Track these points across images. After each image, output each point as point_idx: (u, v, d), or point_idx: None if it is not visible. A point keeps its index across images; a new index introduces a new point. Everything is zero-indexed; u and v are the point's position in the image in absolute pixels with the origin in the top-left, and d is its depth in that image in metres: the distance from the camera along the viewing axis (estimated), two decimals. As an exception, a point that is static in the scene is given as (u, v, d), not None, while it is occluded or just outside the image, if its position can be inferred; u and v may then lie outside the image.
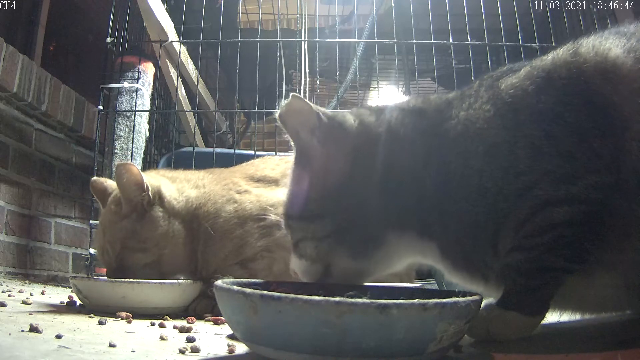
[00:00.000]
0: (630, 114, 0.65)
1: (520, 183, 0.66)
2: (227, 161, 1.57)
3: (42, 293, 1.40)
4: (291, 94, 0.74)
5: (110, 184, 1.23)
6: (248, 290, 0.53)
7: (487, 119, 0.70)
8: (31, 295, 1.27)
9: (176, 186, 1.21)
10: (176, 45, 2.04)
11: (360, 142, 0.75)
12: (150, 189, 1.14)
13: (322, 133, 0.75)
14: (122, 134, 1.91)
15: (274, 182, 1.24)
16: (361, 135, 0.76)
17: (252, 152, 1.85)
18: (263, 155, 1.52)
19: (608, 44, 0.69)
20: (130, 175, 1.12)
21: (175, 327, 0.85)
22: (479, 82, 0.77)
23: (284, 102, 0.75)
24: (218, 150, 1.90)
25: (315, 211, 0.75)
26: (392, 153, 0.74)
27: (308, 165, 0.77)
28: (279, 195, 1.18)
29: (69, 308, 1.10)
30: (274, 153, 1.79)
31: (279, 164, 1.29)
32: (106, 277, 1.13)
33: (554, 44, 1.80)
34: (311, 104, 0.75)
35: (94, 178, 1.26)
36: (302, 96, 0.75)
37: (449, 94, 0.79)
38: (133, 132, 1.91)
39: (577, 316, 0.80)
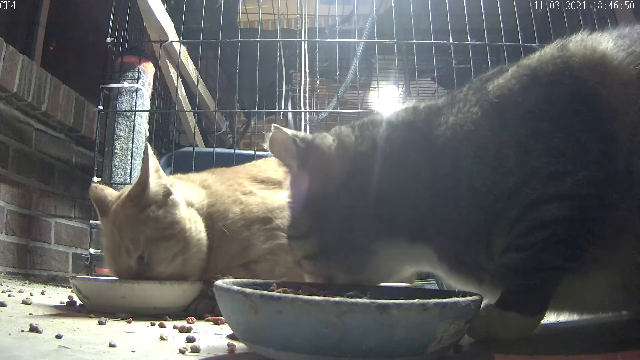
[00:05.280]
0: (620, 106, 0.64)
1: (509, 182, 0.66)
2: (227, 161, 1.57)
3: (42, 293, 1.40)
4: (272, 125, 0.78)
5: (110, 192, 1.18)
6: (248, 290, 0.53)
7: (474, 121, 0.70)
8: (31, 295, 1.27)
9: (182, 184, 1.20)
10: (176, 45, 2.04)
11: (339, 163, 0.77)
12: (167, 180, 1.12)
13: (300, 158, 0.78)
14: (122, 134, 1.91)
15: (277, 184, 1.23)
16: (340, 156, 0.78)
17: (252, 152, 1.85)
18: (264, 156, 1.52)
19: (598, 39, 0.69)
20: (155, 161, 1.08)
21: (175, 327, 0.85)
22: (468, 86, 0.78)
23: (268, 134, 0.79)
24: (218, 150, 1.90)
25: (302, 231, 0.77)
26: (378, 169, 0.75)
27: (295, 188, 0.80)
28: (283, 198, 1.18)
29: (69, 308, 1.10)
30: (274, 153, 1.79)
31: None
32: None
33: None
34: (290, 131, 0.79)
35: (94, 185, 1.20)
36: (291, 122, 0.79)
37: (439, 100, 0.79)
38: (133, 132, 1.91)
39: (574, 317, 0.80)
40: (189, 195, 1.16)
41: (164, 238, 1.06)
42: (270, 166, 1.30)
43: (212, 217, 1.16)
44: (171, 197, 1.10)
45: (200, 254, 1.12)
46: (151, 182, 1.06)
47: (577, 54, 0.67)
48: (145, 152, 1.09)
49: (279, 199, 1.18)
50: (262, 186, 1.23)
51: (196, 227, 1.11)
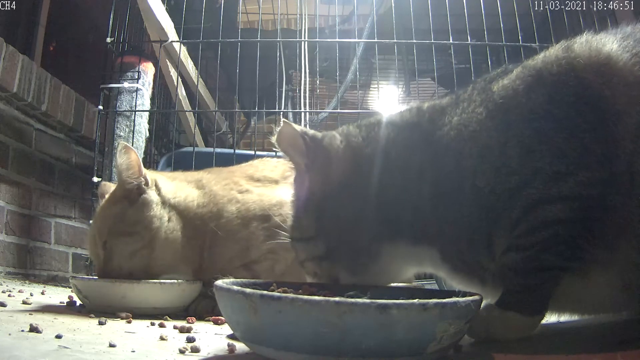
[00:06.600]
0: (624, 107, 0.64)
1: (512, 182, 0.66)
2: (227, 161, 1.56)
3: (42, 293, 1.40)
4: (282, 120, 0.77)
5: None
6: (248, 290, 0.53)
7: (479, 122, 0.70)
8: (31, 295, 1.27)
9: (175, 183, 1.20)
10: (176, 45, 2.04)
11: (346, 165, 0.77)
12: (147, 176, 1.13)
13: (309, 157, 0.77)
14: (122, 134, 1.91)
15: (274, 182, 1.23)
16: (348, 158, 0.77)
17: (252, 152, 1.85)
18: (263, 156, 1.52)
19: (603, 40, 0.69)
20: (128, 157, 1.10)
21: (175, 327, 0.85)
22: (472, 86, 0.77)
23: (277, 128, 0.77)
24: (218, 150, 1.90)
25: (308, 232, 0.77)
26: (384, 171, 0.74)
27: (301, 187, 0.79)
28: (281, 194, 1.17)
29: (69, 308, 1.10)
30: (274, 153, 1.79)
31: (278, 166, 1.28)
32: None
33: (554, 44, 1.79)
34: (299, 128, 0.78)
35: (103, 182, 1.24)
36: (292, 122, 0.78)
37: (443, 100, 0.79)
38: (133, 132, 1.91)
39: (575, 317, 0.80)
40: (175, 196, 1.16)
41: (125, 233, 1.08)
42: (267, 166, 1.29)
43: (202, 218, 1.15)
44: (143, 196, 1.11)
45: (168, 253, 1.11)
46: (123, 180, 1.11)
47: (582, 55, 0.67)
48: (125, 151, 1.11)
49: (276, 195, 1.17)
50: (259, 184, 1.22)
51: (167, 226, 1.11)
